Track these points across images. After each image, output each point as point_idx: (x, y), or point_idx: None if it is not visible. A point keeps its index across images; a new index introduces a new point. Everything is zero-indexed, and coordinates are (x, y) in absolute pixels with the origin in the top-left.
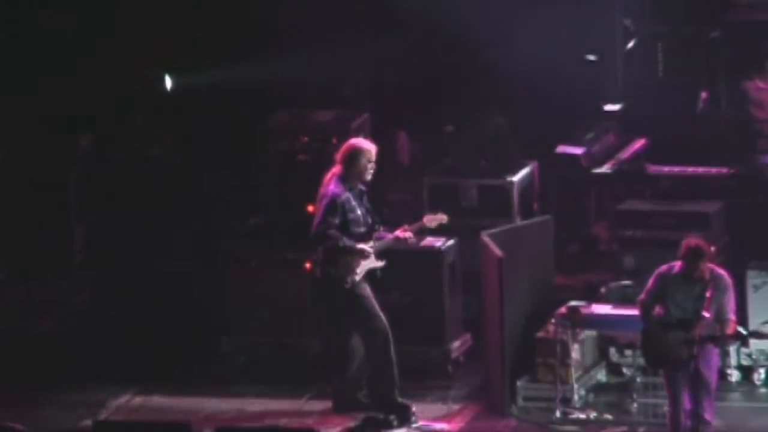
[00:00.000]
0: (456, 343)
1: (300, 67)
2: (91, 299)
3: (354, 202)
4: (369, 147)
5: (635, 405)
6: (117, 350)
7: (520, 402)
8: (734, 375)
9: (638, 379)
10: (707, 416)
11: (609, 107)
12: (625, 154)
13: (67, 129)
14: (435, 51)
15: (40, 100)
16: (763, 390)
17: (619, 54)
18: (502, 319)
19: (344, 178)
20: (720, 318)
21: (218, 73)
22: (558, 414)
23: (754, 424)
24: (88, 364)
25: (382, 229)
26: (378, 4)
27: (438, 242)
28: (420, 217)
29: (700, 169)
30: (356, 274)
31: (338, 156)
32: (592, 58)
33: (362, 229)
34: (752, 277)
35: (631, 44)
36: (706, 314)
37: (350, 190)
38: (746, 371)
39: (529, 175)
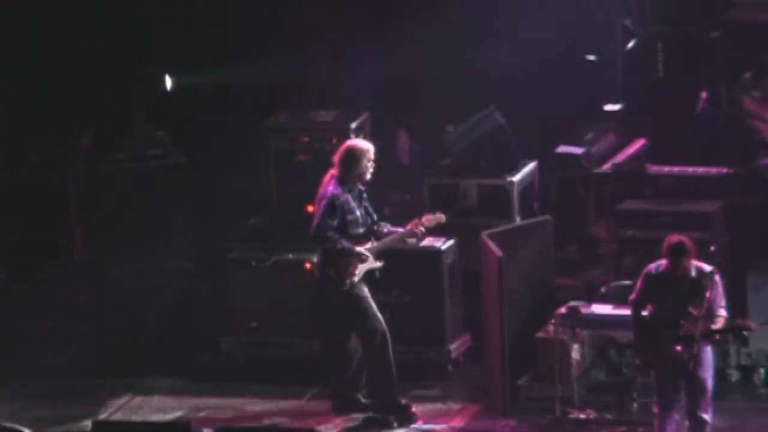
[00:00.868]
0: (456, 343)
1: (300, 67)
2: (91, 299)
3: (353, 203)
4: (367, 147)
5: (635, 405)
6: (117, 350)
7: (520, 402)
8: (734, 375)
9: (638, 379)
10: (705, 416)
11: (609, 107)
12: (625, 154)
13: (67, 129)
14: (435, 51)
15: (40, 100)
16: (763, 390)
17: (619, 54)
18: (502, 319)
19: (343, 180)
20: (712, 314)
21: (218, 73)
22: (558, 414)
23: (754, 424)
24: (88, 364)
25: (389, 226)
26: (378, 4)
27: (438, 242)
28: (420, 217)
29: (700, 169)
30: (355, 275)
31: (336, 158)
32: (592, 58)
33: (361, 230)
34: (752, 277)
35: (631, 44)
36: (694, 311)
37: (349, 191)
38: (746, 371)
39: (529, 175)
